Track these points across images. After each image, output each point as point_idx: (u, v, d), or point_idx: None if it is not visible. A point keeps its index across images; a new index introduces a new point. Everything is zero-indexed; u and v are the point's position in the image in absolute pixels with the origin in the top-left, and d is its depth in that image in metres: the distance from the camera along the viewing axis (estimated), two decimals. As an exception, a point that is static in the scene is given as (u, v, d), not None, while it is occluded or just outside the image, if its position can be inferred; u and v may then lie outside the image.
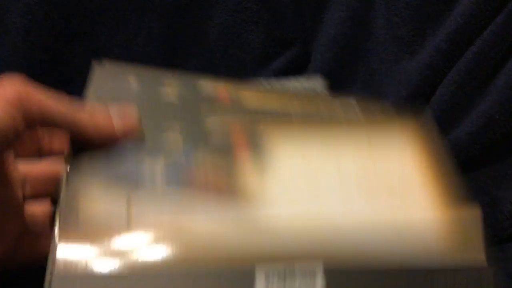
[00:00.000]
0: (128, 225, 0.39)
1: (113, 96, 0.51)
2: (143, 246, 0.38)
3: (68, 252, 0.37)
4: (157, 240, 0.39)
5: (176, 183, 0.42)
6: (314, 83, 0.65)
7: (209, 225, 0.40)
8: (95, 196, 0.40)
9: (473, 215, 0.43)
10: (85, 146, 0.43)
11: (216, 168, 0.43)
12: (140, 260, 0.37)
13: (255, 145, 0.46)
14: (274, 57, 0.74)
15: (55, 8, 0.70)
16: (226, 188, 0.42)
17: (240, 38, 0.74)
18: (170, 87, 0.52)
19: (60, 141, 0.50)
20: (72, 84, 0.73)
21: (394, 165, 0.46)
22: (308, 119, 0.50)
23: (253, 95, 0.53)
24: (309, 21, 0.74)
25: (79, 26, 0.71)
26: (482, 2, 0.65)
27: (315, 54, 0.75)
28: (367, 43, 0.74)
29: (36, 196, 0.48)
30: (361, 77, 0.73)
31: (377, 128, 0.49)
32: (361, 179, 0.45)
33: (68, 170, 0.42)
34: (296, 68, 0.74)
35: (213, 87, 0.54)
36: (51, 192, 0.48)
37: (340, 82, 0.73)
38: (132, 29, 0.73)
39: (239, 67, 0.75)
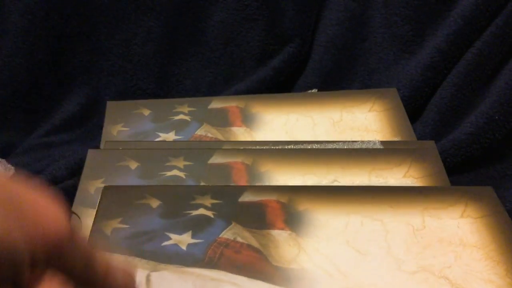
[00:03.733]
0: None
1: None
2: None
3: None
4: None
5: (199, 261, 0.41)
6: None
7: None
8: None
9: None
10: None
11: (249, 247, 0.42)
12: None
13: (295, 222, 0.44)
14: (273, 55, 0.74)
15: (55, 8, 0.70)
16: (259, 269, 0.40)
17: (240, 35, 0.74)
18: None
19: None
20: (72, 84, 0.73)
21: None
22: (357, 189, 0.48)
23: None
24: (308, 19, 0.74)
25: (79, 26, 0.71)
26: (482, 3, 0.66)
27: (313, 54, 0.75)
28: (365, 43, 0.74)
29: None
30: (360, 76, 0.73)
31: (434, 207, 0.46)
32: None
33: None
34: (295, 67, 0.74)
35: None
36: None
37: (338, 82, 0.73)
38: (131, 28, 0.73)
39: (239, 65, 0.75)
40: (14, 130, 0.71)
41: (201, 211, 0.45)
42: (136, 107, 0.60)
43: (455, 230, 0.44)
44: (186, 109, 0.60)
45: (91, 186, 0.49)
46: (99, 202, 0.45)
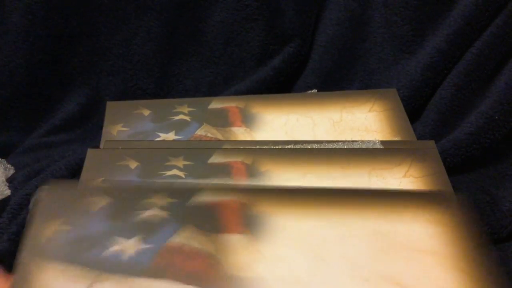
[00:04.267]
0: None
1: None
2: None
3: None
4: None
5: (145, 271, 0.39)
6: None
7: None
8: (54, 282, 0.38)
9: None
10: None
11: (200, 253, 0.40)
12: None
13: (253, 226, 0.43)
14: (273, 55, 0.74)
15: (55, 8, 0.70)
16: (208, 278, 0.39)
17: (240, 36, 0.74)
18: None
19: None
20: (72, 84, 0.73)
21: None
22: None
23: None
24: (308, 19, 0.74)
25: (79, 26, 0.71)
26: (482, 3, 0.66)
27: (313, 54, 0.75)
28: (365, 43, 0.74)
29: None
30: (360, 77, 0.73)
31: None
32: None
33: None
34: (295, 67, 0.74)
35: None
36: None
37: (338, 82, 0.73)
38: (131, 28, 0.73)
39: (238, 65, 0.75)
40: (14, 130, 0.71)
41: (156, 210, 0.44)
42: (136, 107, 0.60)
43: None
44: (186, 109, 0.60)
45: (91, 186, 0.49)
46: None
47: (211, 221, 0.42)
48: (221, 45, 0.74)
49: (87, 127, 0.72)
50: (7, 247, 0.49)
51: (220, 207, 0.43)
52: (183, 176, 0.49)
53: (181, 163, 0.51)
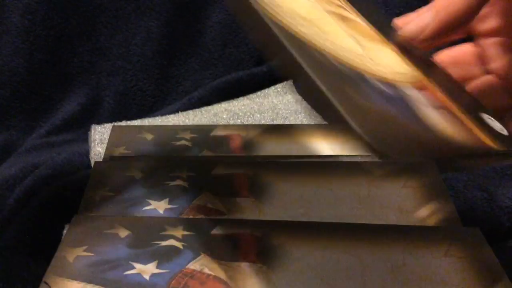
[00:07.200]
0: None
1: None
2: None
3: None
4: None
5: None
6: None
7: None
8: None
9: None
10: None
11: (213, 280, 0.41)
12: None
13: (268, 256, 0.43)
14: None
15: (55, 8, 0.70)
16: None
17: (238, 37, 0.74)
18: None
19: None
20: (72, 84, 0.73)
21: None
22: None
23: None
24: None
25: (79, 26, 0.71)
26: (482, 3, 0.66)
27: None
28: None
29: None
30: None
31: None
32: None
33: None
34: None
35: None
36: None
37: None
38: (131, 28, 0.73)
39: (237, 66, 0.75)
40: (14, 130, 0.71)
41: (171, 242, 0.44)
42: (139, 132, 0.60)
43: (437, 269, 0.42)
44: (188, 135, 0.60)
45: (97, 196, 0.49)
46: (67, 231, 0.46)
47: (225, 251, 0.43)
48: (219, 46, 0.74)
49: (87, 127, 0.72)
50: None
51: (234, 239, 0.44)
52: (186, 186, 0.50)
53: (184, 174, 0.52)
